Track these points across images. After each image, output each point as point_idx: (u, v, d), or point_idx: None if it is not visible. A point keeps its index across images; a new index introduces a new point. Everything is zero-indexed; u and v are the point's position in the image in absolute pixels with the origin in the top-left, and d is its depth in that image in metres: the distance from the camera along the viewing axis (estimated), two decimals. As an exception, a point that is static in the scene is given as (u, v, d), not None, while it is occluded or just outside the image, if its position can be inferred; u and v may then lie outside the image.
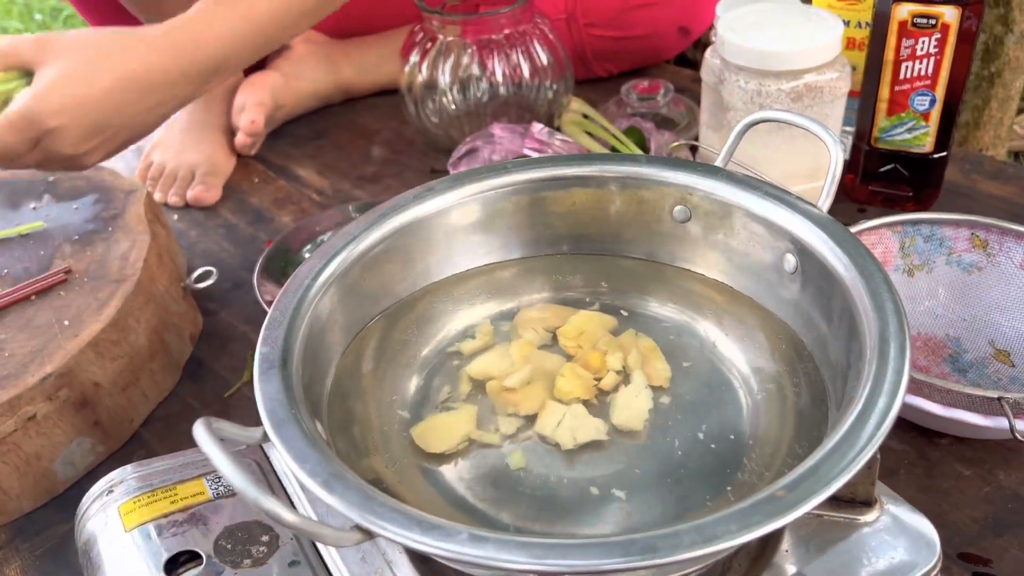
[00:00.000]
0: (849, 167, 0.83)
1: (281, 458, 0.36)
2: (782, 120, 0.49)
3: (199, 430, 0.33)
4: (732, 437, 0.44)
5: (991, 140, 1.23)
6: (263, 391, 0.39)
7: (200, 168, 0.94)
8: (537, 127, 0.85)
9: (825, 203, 0.47)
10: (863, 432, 0.34)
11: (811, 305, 0.46)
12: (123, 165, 1.03)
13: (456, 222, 0.52)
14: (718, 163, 0.53)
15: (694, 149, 0.87)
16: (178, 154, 0.95)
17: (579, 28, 1.05)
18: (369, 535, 0.33)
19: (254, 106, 0.96)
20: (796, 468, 0.33)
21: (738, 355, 0.49)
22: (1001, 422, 0.52)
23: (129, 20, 0.97)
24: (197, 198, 0.93)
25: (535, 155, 0.84)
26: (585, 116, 0.94)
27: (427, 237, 0.52)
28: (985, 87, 1.19)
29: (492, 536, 0.32)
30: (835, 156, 0.47)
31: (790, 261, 0.47)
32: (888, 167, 0.80)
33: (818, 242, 0.45)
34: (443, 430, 0.44)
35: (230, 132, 0.99)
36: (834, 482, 0.32)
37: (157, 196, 0.93)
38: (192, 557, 0.45)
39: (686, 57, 1.21)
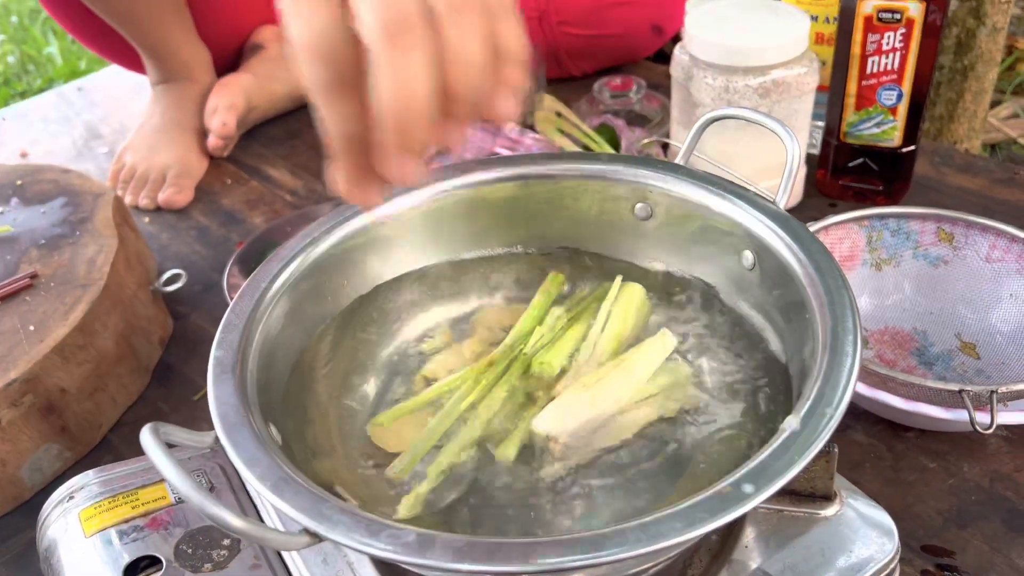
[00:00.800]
0: (820, 162, 0.83)
1: (233, 463, 0.36)
2: (740, 117, 0.49)
3: (146, 436, 0.33)
4: (692, 432, 0.45)
5: (965, 132, 1.23)
6: (216, 395, 0.38)
7: (172, 170, 0.94)
8: (509, 125, 0.85)
9: (782, 199, 0.47)
10: (811, 428, 0.34)
11: (769, 300, 0.46)
12: (94, 167, 1.03)
13: (417, 222, 0.52)
14: (679, 160, 0.53)
15: (666, 146, 0.87)
16: (149, 156, 0.95)
17: (552, 26, 1.05)
18: (318, 538, 0.33)
19: (226, 108, 0.96)
20: (744, 465, 0.33)
21: (697, 348, 0.49)
22: (962, 415, 0.53)
23: (102, 25, 0.97)
24: (168, 201, 0.92)
25: (507, 153, 0.84)
26: (558, 114, 0.94)
27: (387, 238, 0.51)
28: (959, 80, 1.19)
29: (439, 538, 0.32)
30: (792, 152, 0.47)
31: (748, 257, 0.47)
32: (858, 161, 0.80)
33: (774, 238, 0.45)
34: (401, 431, 0.44)
35: (203, 133, 0.99)
36: (780, 478, 0.32)
37: (128, 199, 0.93)
38: (152, 562, 0.45)
39: (664, 52, 1.21)
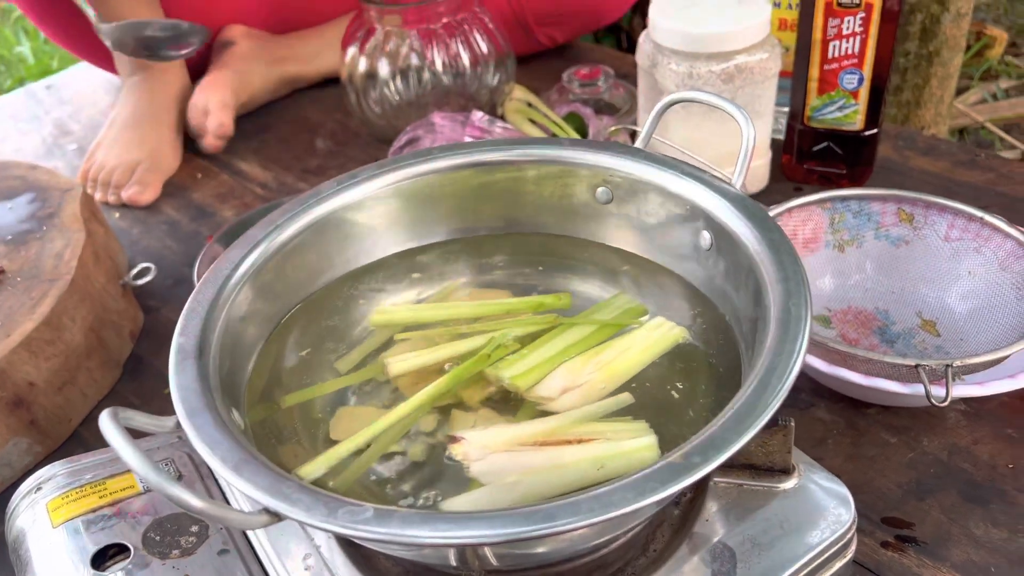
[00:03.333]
0: (784, 147, 0.84)
1: (194, 445, 0.36)
2: (696, 100, 0.50)
3: (105, 420, 0.34)
4: (654, 407, 0.45)
5: (932, 118, 1.25)
6: (178, 381, 0.39)
7: (141, 166, 0.93)
8: (477, 115, 0.86)
9: (738, 180, 0.48)
10: (760, 400, 0.35)
11: (725, 279, 0.47)
12: (64, 164, 1.02)
13: (380, 209, 0.53)
14: (638, 144, 0.53)
15: (633, 134, 0.88)
16: (120, 152, 0.94)
17: None
18: (278, 517, 0.33)
19: (220, 108, 0.95)
20: (695, 436, 0.34)
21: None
22: (918, 389, 0.54)
23: (73, 21, 0.96)
24: (132, 199, 0.92)
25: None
26: (528, 104, 0.95)
27: (350, 225, 0.52)
28: (924, 66, 1.21)
29: (397, 512, 0.32)
30: (747, 133, 0.48)
31: (705, 237, 0.48)
32: (822, 145, 0.82)
33: (730, 218, 0.46)
34: (360, 420, 0.45)
35: (178, 129, 0.98)
36: (728, 448, 0.33)
37: (97, 195, 0.93)
38: (121, 550, 0.46)
39: (632, 41, 1.22)
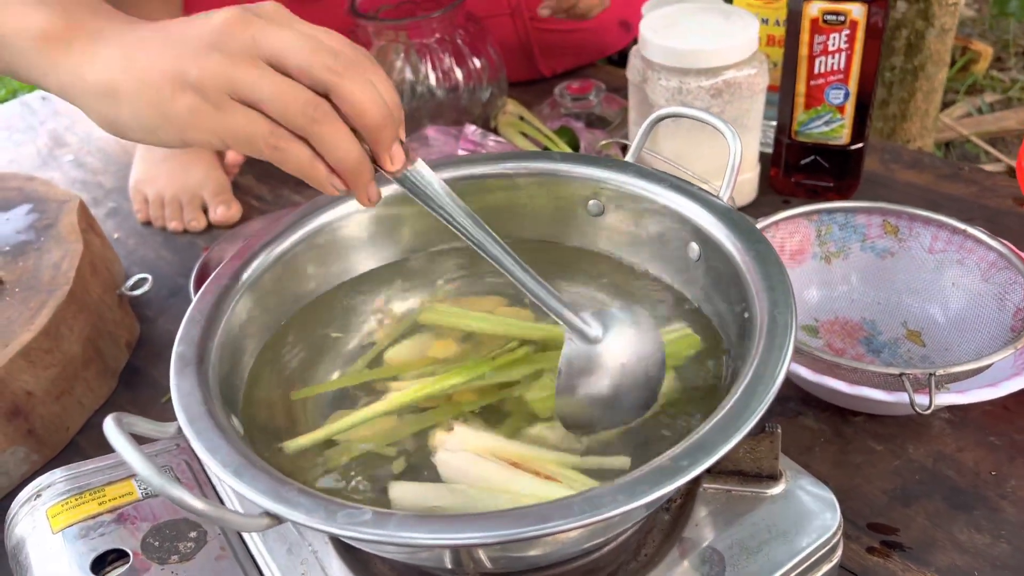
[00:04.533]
0: (772, 160, 0.86)
1: (196, 450, 0.37)
2: (685, 115, 0.51)
3: (109, 425, 0.34)
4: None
5: (918, 131, 1.27)
6: (178, 387, 0.40)
7: (205, 188, 0.91)
8: (471, 129, 0.87)
9: (726, 192, 0.49)
10: (748, 407, 0.36)
11: (714, 289, 0.48)
12: (60, 176, 1.03)
13: (374, 221, 0.54)
14: (629, 158, 0.55)
15: (624, 148, 0.89)
16: (170, 182, 0.92)
17: (524, 22, 1.07)
18: (278, 520, 0.34)
19: None
20: (683, 441, 0.35)
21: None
22: (903, 397, 0.55)
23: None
24: (225, 218, 0.90)
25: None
26: (521, 118, 0.96)
27: (346, 236, 0.53)
28: (910, 80, 1.23)
29: (394, 515, 0.33)
30: (733, 148, 0.49)
31: (694, 249, 0.49)
32: (809, 159, 0.83)
33: (717, 230, 0.47)
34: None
35: (215, 152, 0.98)
36: (716, 452, 0.34)
37: (172, 225, 0.90)
38: (120, 556, 0.46)
39: (624, 55, 1.24)
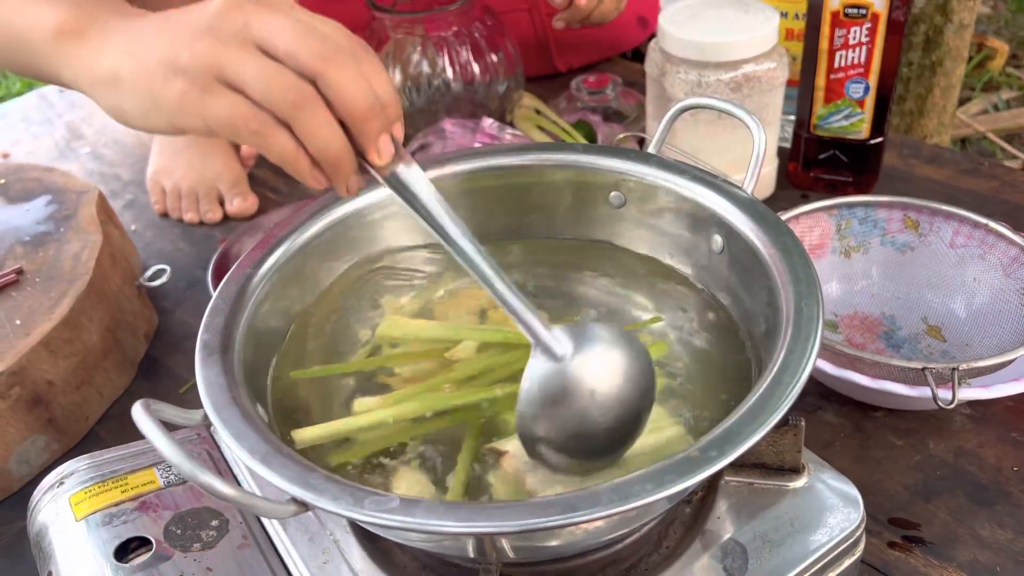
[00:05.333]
0: (791, 154, 0.85)
1: (223, 439, 0.37)
2: (708, 106, 0.51)
3: (138, 411, 0.35)
4: (664, 405, 0.46)
5: (935, 127, 1.26)
6: (204, 376, 0.40)
7: (222, 180, 0.92)
8: (488, 122, 0.87)
9: (749, 185, 0.49)
10: (774, 397, 0.36)
11: (737, 281, 0.48)
12: (78, 167, 1.03)
13: (397, 211, 0.54)
14: (651, 149, 0.54)
15: (642, 141, 0.89)
16: (187, 173, 0.93)
17: (541, 17, 1.07)
18: (305, 507, 0.34)
19: None
20: (710, 432, 0.35)
21: (671, 329, 0.51)
22: (925, 391, 0.55)
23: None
24: (241, 209, 0.90)
25: (486, 149, 0.86)
26: (537, 111, 0.96)
27: (368, 226, 0.53)
28: (927, 76, 1.22)
29: (422, 502, 0.33)
30: (758, 139, 0.49)
31: (717, 241, 0.49)
32: (828, 153, 0.83)
33: (742, 222, 0.47)
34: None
35: (231, 144, 0.98)
36: (743, 443, 0.34)
37: (188, 216, 0.91)
38: (143, 543, 0.46)
39: (640, 50, 1.23)
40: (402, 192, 0.41)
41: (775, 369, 0.38)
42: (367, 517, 0.33)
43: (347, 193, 0.41)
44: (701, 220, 0.50)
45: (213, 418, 0.37)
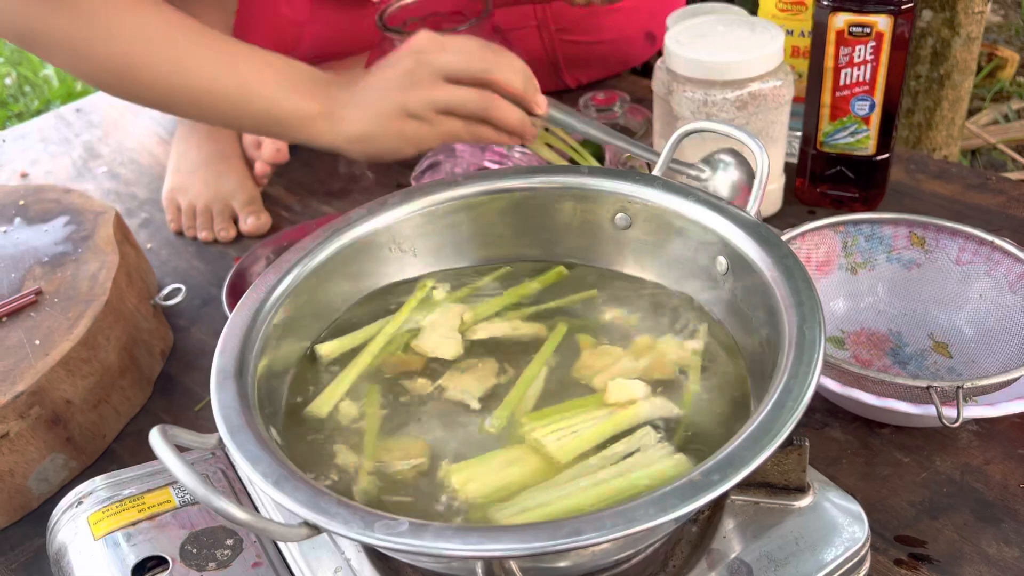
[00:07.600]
0: (798, 171, 0.86)
1: (236, 462, 0.38)
2: (711, 130, 0.52)
3: (155, 437, 0.36)
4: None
5: (944, 140, 1.26)
6: (219, 400, 0.41)
7: (236, 198, 0.93)
8: (496, 140, 0.88)
9: (753, 207, 0.50)
10: (776, 421, 0.37)
11: (740, 302, 0.49)
12: (95, 187, 1.05)
13: (407, 234, 0.55)
14: (656, 171, 0.55)
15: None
16: (203, 191, 0.94)
17: (551, 34, 1.08)
18: (317, 530, 0.35)
19: (270, 140, 0.97)
20: (712, 456, 0.36)
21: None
22: (931, 410, 0.55)
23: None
24: (257, 227, 0.92)
25: (495, 167, 0.87)
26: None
27: (379, 249, 0.54)
28: (935, 89, 1.23)
29: (431, 526, 0.34)
30: (760, 161, 0.49)
31: (721, 262, 0.50)
32: (834, 170, 0.83)
33: (746, 244, 0.48)
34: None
35: (247, 161, 0.99)
36: (746, 467, 0.35)
37: (203, 235, 0.92)
38: (159, 562, 0.48)
39: (649, 65, 1.24)
40: (556, 122, 0.67)
41: (777, 392, 0.38)
42: (377, 541, 0.34)
43: (533, 139, 0.66)
44: (705, 242, 0.51)
45: (228, 442, 0.38)
